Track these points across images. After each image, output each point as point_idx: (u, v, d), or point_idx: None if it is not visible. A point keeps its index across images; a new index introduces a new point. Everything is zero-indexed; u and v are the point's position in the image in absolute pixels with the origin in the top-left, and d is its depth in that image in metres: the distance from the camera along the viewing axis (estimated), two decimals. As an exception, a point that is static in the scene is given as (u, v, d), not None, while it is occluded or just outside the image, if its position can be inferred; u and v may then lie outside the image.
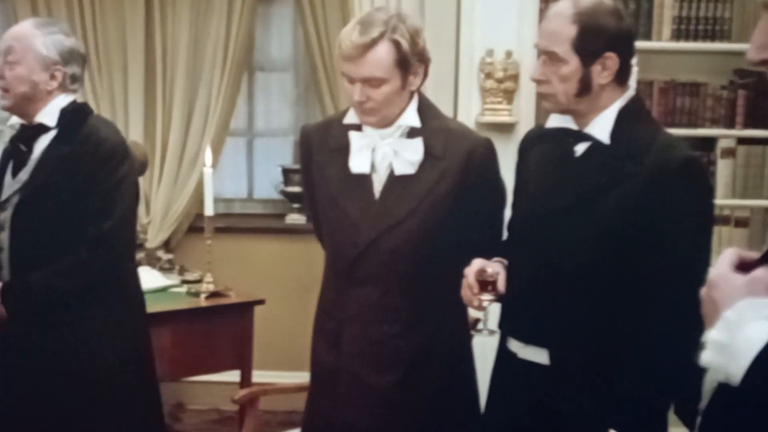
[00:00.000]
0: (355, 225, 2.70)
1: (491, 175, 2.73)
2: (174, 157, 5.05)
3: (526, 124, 4.20)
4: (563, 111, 2.42)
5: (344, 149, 2.71)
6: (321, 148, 2.77)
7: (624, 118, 2.37)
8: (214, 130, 5.01)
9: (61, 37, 3.00)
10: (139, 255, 4.64)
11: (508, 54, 4.11)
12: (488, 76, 4.16)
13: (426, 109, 2.71)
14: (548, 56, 2.36)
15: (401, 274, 2.70)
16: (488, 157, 2.72)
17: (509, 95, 4.19)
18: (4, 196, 2.99)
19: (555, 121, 2.48)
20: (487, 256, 2.55)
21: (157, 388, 3.29)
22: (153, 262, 4.67)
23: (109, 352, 3.02)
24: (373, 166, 2.69)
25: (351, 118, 2.71)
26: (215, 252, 4.13)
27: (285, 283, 4.99)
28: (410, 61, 2.58)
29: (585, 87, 2.34)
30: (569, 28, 2.31)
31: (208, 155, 4.17)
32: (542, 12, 4.18)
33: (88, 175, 2.93)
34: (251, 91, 5.36)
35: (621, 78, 2.38)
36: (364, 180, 2.69)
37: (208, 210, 4.07)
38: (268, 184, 5.47)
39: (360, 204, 2.70)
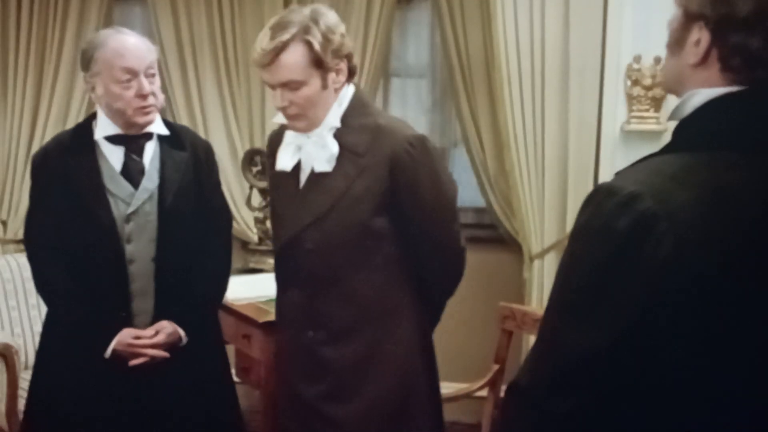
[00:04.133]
0: (281, 223, 2.72)
1: (421, 175, 2.59)
2: (309, 162, 5.01)
3: (674, 133, 4.05)
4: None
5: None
6: (274, 151, 2.78)
7: None
8: (350, 136, 4.97)
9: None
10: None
11: (657, 60, 3.96)
12: (635, 82, 4.03)
13: (357, 107, 2.65)
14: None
15: (323, 276, 2.62)
16: (414, 155, 2.57)
17: (657, 103, 4.05)
18: (132, 207, 2.91)
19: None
20: (425, 265, 2.62)
21: None
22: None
23: (221, 346, 3.17)
24: (300, 165, 2.67)
25: (281, 117, 2.70)
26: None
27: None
28: (325, 60, 2.54)
29: None
30: None
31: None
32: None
33: (209, 177, 3.08)
34: (387, 97, 5.30)
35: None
36: (291, 177, 2.68)
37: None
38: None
39: (285, 201, 2.70)
